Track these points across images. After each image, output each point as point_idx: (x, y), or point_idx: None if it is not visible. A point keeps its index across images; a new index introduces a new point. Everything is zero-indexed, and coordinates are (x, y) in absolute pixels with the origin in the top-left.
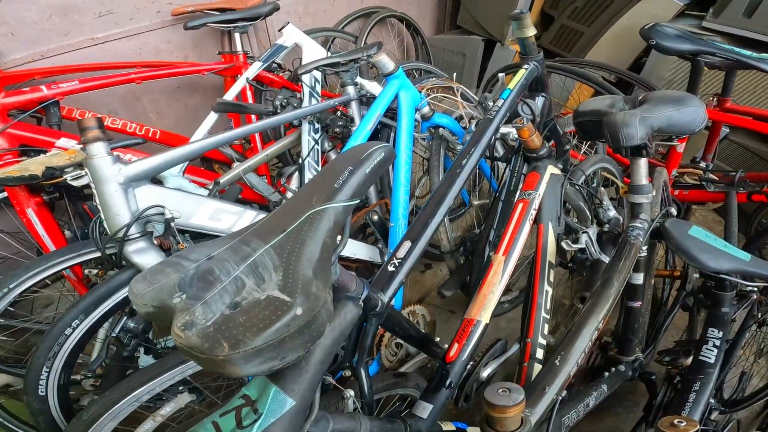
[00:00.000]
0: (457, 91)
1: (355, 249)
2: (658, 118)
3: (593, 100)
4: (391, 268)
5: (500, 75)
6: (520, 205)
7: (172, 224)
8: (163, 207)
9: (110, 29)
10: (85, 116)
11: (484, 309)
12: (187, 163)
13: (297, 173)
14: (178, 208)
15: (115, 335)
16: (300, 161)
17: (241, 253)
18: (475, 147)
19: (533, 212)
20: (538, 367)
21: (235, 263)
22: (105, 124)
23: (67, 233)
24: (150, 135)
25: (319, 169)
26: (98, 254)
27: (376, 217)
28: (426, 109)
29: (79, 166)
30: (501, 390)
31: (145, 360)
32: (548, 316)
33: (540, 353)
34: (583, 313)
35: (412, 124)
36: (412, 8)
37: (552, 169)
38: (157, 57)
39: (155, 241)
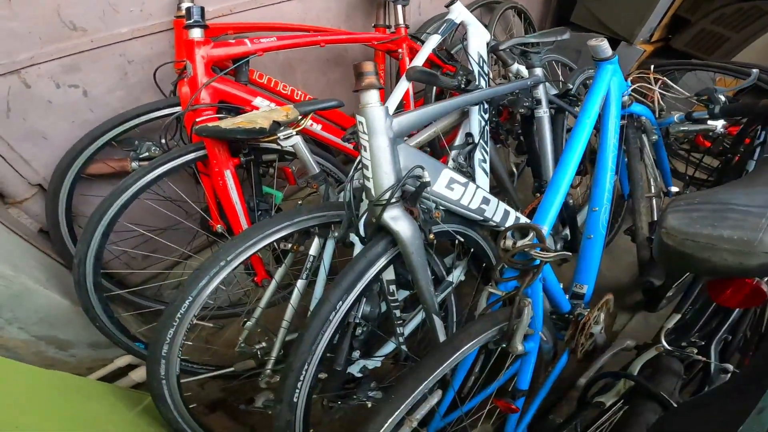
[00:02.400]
0: (656, 82)
1: None
2: None
3: None
4: None
5: (754, 71)
6: None
7: (427, 190)
8: (423, 168)
9: None
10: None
11: None
12: None
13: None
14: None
15: (357, 321)
16: (472, 141)
17: None
18: None
19: None
20: None
21: None
22: (277, 89)
23: None
24: None
25: (488, 149)
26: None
27: (571, 201)
28: (625, 98)
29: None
30: None
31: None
32: None
33: None
34: None
35: (619, 111)
36: (521, 2)
37: None
38: (317, 24)
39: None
